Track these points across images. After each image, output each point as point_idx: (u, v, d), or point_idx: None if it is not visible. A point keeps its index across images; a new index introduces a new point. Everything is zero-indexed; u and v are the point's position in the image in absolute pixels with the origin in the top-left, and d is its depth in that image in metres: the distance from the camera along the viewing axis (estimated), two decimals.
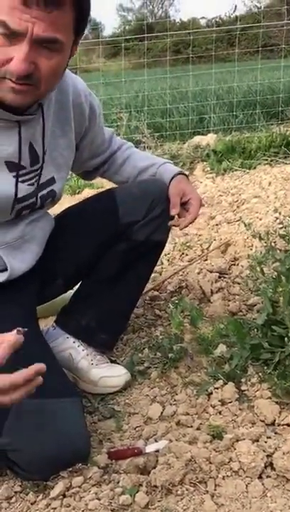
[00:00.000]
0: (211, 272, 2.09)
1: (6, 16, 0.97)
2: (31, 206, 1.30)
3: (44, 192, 1.31)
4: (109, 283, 1.51)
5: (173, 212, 1.49)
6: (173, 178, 1.54)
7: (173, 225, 1.52)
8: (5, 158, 1.18)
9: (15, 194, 1.24)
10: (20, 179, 1.23)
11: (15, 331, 0.97)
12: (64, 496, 1.11)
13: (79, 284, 1.61)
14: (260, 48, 5.38)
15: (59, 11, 0.99)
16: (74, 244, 1.48)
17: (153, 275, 2.13)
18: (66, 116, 1.32)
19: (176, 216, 1.50)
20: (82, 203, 1.60)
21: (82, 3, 1.04)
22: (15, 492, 1.16)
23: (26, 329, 0.99)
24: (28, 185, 1.25)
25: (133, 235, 1.48)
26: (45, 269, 1.41)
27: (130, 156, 1.60)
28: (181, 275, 2.14)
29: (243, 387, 1.38)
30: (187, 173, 1.64)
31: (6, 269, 1.29)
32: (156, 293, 2.02)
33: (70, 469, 1.15)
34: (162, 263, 2.30)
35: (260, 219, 2.61)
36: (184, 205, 1.52)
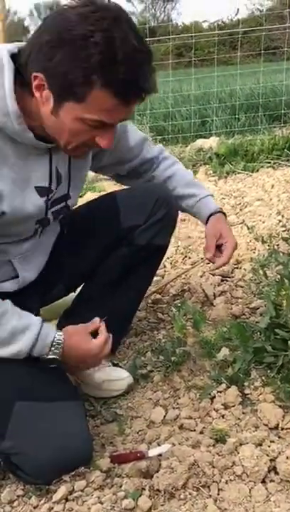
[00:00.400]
0: (214, 275, 2.09)
1: (104, 115, 1.05)
2: (46, 222, 1.31)
3: (58, 207, 1.31)
4: (111, 286, 1.51)
5: (208, 255, 1.53)
6: (211, 215, 1.57)
7: (209, 260, 1.56)
8: (35, 183, 1.19)
9: (44, 216, 1.26)
10: (48, 203, 1.24)
11: (97, 319, 1.31)
12: (66, 499, 1.10)
13: (81, 287, 1.61)
14: (262, 51, 5.39)
15: None
16: (76, 248, 1.48)
17: (155, 278, 2.13)
18: None
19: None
20: (84, 206, 1.60)
21: None
22: (18, 496, 1.16)
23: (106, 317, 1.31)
24: (47, 204, 1.25)
25: (135, 239, 1.48)
26: (48, 272, 1.41)
27: (172, 177, 1.59)
28: (184, 278, 2.14)
29: (246, 391, 1.38)
30: (225, 211, 1.67)
31: (17, 277, 1.30)
32: (158, 296, 2.01)
33: (73, 473, 1.14)
34: (165, 266, 2.30)
35: (263, 222, 2.61)
36: (219, 246, 1.55)
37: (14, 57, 1.08)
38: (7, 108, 1.06)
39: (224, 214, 1.62)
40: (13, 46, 1.11)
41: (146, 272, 1.58)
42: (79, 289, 1.62)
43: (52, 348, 1.20)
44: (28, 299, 1.34)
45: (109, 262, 1.50)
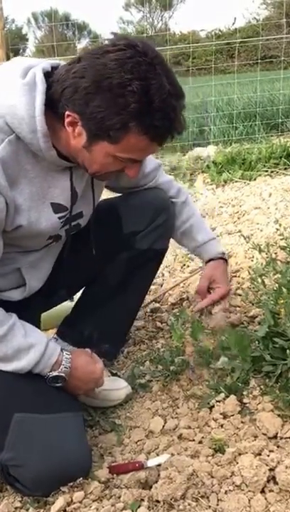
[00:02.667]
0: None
1: (136, 154, 1.11)
2: (57, 238, 1.33)
3: (71, 225, 1.33)
4: (111, 292, 1.54)
5: (197, 298, 1.59)
6: (211, 259, 1.62)
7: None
8: (51, 199, 1.21)
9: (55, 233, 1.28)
10: (62, 219, 1.26)
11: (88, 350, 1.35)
12: (65, 511, 1.10)
13: (80, 295, 1.61)
14: (259, 60, 5.42)
15: None
16: (78, 255, 1.48)
17: (154, 287, 2.13)
18: None
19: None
20: None
21: None
22: (16, 508, 1.15)
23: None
24: (61, 222, 1.28)
25: (136, 244, 1.50)
26: (51, 279, 1.42)
27: (189, 225, 1.63)
28: (182, 287, 2.14)
29: (245, 400, 1.37)
30: (225, 255, 1.71)
31: (24, 285, 1.31)
32: (157, 305, 2.01)
33: (71, 484, 1.14)
34: (163, 275, 2.30)
35: (261, 230, 2.61)
36: (210, 289, 1.62)
37: (46, 74, 1.10)
38: (35, 126, 1.08)
39: (225, 259, 1.66)
40: (47, 64, 1.14)
41: (145, 278, 1.61)
42: (78, 295, 1.63)
43: (61, 367, 1.22)
44: (30, 306, 1.36)
45: (109, 267, 1.53)
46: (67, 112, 1.07)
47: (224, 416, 1.34)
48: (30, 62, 1.14)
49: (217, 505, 1.08)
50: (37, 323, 1.44)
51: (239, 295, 1.98)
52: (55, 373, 1.22)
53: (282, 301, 1.41)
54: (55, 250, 1.40)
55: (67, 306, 1.65)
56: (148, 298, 2.05)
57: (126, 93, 1.00)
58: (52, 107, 1.09)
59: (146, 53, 1.03)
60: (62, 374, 1.22)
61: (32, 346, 1.18)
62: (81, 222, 1.37)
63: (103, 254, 1.50)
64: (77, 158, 1.15)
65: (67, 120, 1.08)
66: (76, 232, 1.47)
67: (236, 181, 3.67)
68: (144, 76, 1.01)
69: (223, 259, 1.66)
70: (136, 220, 1.50)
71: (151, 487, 1.12)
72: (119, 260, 1.52)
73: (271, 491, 1.10)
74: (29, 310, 1.32)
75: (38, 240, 1.27)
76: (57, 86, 1.08)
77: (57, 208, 1.23)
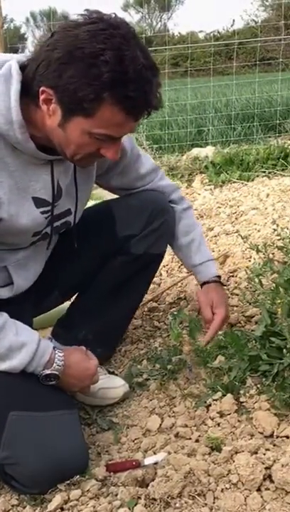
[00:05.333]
0: None
1: (112, 130, 1.07)
2: (45, 236, 1.31)
3: (58, 223, 1.32)
4: (107, 297, 1.52)
5: (208, 326, 1.54)
6: (205, 282, 1.58)
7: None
8: (33, 194, 1.19)
9: (40, 229, 1.27)
10: (45, 215, 1.25)
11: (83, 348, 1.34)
12: (62, 509, 1.10)
13: (76, 296, 1.61)
14: (258, 62, 5.44)
15: None
16: (72, 259, 1.47)
17: (151, 286, 2.13)
18: None
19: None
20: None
21: None
22: (12, 505, 1.15)
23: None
24: (46, 217, 1.26)
25: (131, 248, 1.48)
26: (43, 282, 1.41)
27: (180, 219, 1.59)
28: (180, 286, 2.14)
29: (242, 399, 1.38)
30: (221, 278, 1.68)
31: (11, 283, 1.30)
32: (154, 304, 2.01)
33: (68, 482, 1.14)
34: (161, 274, 2.30)
35: (258, 231, 2.62)
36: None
37: (22, 67, 1.10)
38: (11, 117, 1.07)
39: (220, 282, 1.62)
40: (22, 56, 1.13)
41: (141, 282, 1.59)
42: (73, 298, 1.62)
43: (54, 365, 1.21)
44: (22, 307, 1.35)
45: (104, 271, 1.50)
46: (41, 88, 1.05)
47: (221, 415, 1.34)
48: (5, 56, 1.13)
49: (214, 503, 1.08)
50: (29, 325, 1.43)
51: (237, 295, 1.99)
52: (48, 371, 1.21)
53: (279, 301, 1.41)
54: (44, 250, 1.37)
55: (61, 306, 1.65)
56: (145, 297, 2.05)
57: (98, 63, 0.98)
58: (28, 94, 1.08)
59: (119, 27, 1.02)
60: (56, 372, 1.22)
61: (24, 345, 1.18)
62: (70, 219, 1.35)
63: (96, 256, 1.49)
64: (53, 140, 1.12)
65: (41, 97, 1.06)
66: (67, 233, 1.44)
67: (234, 182, 3.68)
68: (117, 47, 0.99)
69: (218, 281, 1.62)
70: (131, 223, 1.48)
71: (147, 485, 1.12)
72: (115, 265, 1.49)
73: (267, 489, 1.11)
74: (21, 314, 1.31)
75: (22, 236, 1.25)
76: (32, 64, 1.07)
77: (39, 202, 1.21)
